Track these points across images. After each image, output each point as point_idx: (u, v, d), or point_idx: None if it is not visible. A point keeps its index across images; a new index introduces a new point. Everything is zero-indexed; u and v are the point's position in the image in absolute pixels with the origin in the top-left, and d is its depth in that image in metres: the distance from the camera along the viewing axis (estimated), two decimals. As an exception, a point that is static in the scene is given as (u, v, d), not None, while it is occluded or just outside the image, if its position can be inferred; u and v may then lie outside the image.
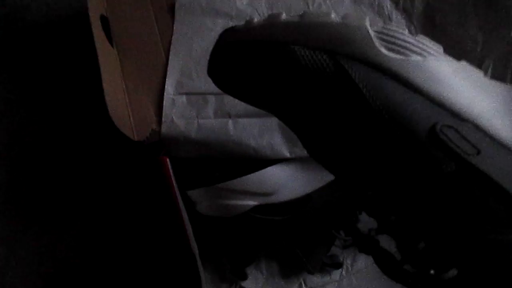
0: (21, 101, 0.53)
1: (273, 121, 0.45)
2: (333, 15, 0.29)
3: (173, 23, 0.47)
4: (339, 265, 0.51)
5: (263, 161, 0.45)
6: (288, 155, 0.45)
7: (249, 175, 0.45)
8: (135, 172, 0.53)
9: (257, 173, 0.45)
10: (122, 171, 0.53)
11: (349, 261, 0.52)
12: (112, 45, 0.46)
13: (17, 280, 0.51)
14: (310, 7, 0.47)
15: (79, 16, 0.54)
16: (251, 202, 0.46)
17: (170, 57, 0.46)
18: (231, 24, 0.47)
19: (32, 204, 0.52)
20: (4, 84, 0.54)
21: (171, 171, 0.44)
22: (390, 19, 0.47)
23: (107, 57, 0.43)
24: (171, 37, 0.46)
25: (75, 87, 0.54)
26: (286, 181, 0.46)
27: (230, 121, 0.44)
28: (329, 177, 0.47)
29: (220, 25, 0.47)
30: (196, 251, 0.45)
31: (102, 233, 0.52)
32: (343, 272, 0.51)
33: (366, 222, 0.53)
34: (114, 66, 0.45)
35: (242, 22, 0.46)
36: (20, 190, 0.52)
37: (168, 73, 0.45)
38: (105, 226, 0.53)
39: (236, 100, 0.45)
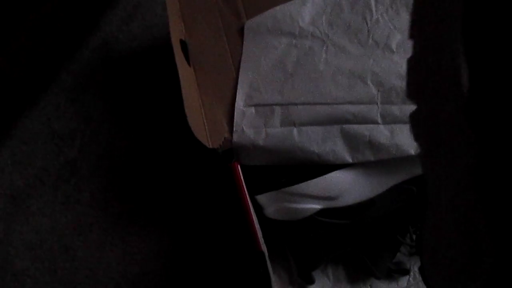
0: (117, 116, 0.62)
1: (335, 129, 0.48)
2: None
3: (242, 43, 0.52)
4: (406, 272, 0.51)
5: (326, 167, 0.48)
6: (350, 160, 0.47)
7: (313, 180, 0.48)
8: (209, 177, 0.58)
9: (321, 177, 0.48)
10: (198, 176, 0.59)
11: (416, 268, 0.52)
12: (189, 65, 0.52)
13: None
14: (369, 23, 0.50)
15: (161, 43, 0.63)
16: (316, 206, 0.49)
17: (240, 73, 0.51)
18: (294, 42, 0.52)
19: (122, 208, 0.59)
20: (102, 102, 0.63)
21: (241, 176, 0.48)
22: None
23: (186, 75, 0.49)
24: (241, 56, 0.52)
25: (160, 104, 0.62)
26: (349, 185, 0.48)
27: (295, 129, 0.48)
28: (391, 182, 0.48)
29: (284, 43, 0.51)
30: (266, 252, 0.48)
31: (178, 233, 0.58)
32: (411, 279, 0.52)
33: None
34: (192, 83, 0.51)
35: (304, 40, 0.50)
36: (112, 193, 0.60)
37: (238, 87, 0.51)
38: (181, 226, 0.58)
39: (300, 110, 0.49)
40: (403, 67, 0.48)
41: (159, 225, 0.58)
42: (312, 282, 0.52)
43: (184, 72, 0.48)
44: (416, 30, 0.28)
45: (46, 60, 0.63)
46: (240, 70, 0.51)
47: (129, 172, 0.59)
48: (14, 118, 0.61)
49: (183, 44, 0.52)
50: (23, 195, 0.59)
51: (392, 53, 0.49)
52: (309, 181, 0.48)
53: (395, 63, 0.49)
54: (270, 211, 0.49)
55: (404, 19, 0.49)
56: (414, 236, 0.51)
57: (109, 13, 0.64)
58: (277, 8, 0.52)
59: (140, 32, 0.63)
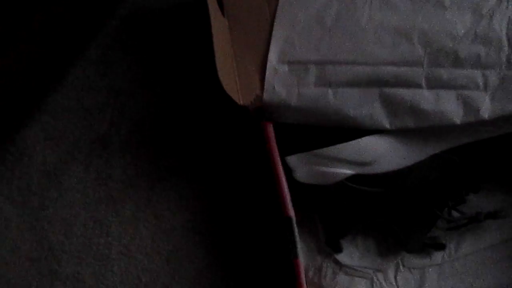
0: (147, 88, 0.61)
1: (374, 92, 0.45)
2: None
3: (280, -6, 0.49)
4: (442, 246, 0.48)
5: (362, 131, 0.45)
6: (388, 126, 0.44)
7: (347, 143, 0.45)
8: (241, 136, 0.57)
9: (355, 141, 0.45)
10: (230, 137, 0.58)
11: (452, 245, 0.49)
12: (223, 15, 0.50)
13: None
14: None
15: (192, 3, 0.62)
16: (348, 171, 0.46)
17: (274, 27, 0.48)
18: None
19: (154, 183, 0.59)
20: (131, 75, 0.62)
21: (273, 136, 0.46)
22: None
23: (219, 26, 0.47)
24: (277, 7, 0.49)
25: (190, 72, 0.60)
26: (385, 151, 0.45)
27: (330, 90, 0.45)
28: (431, 151, 0.45)
29: (325, -4, 0.48)
30: (294, 217, 0.46)
31: (211, 206, 0.57)
32: (445, 256, 0.48)
33: (474, 205, 0.50)
34: (225, 35, 0.49)
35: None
36: (145, 147, 0.60)
37: (272, 42, 0.48)
38: (213, 197, 0.57)
39: (337, 70, 0.46)
40: (455, 26, 0.44)
41: (192, 200, 0.57)
42: (340, 250, 0.50)
43: (217, 23, 0.46)
44: None
45: (74, 34, 0.63)
46: (275, 23, 0.48)
47: (160, 146, 0.59)
48: (43, 93, 0.62)
49: (218, -6, 0.49)
50: (55, 171, 0.60)
51: (445, 10, 0.44)
52: (342, 144, 0.45)
53: (447, 21, 0.44)
54: (300, 174, 0.47)
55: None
56: (452, 211, 0.47)
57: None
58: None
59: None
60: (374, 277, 0.50)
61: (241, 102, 0.46)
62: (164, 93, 0.61)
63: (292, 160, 0.47)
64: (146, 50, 0.62)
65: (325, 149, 0.45)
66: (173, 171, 0.58)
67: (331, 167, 0.46)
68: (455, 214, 0.48)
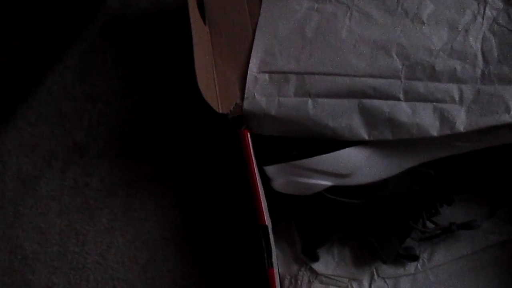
0: (125, 96, 0.61)
1: (353, 103, 0.45)
2: None
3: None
4: (415, 258, 0.49)
5: (340, 142, 0.46)
6: (366, 137, 0.44)
7: (325, 155, 0.46)
8: (219, 143, 0.57)
9: (334, 153, 0.46)
10: (207, 141, 0.57)
11: (425, 255, 0.50)
12: (205, 23, 0.49)
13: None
14: None
15: (172, 12, 0.61)
16: (326, 182, 0.46)
17: (256, 36, 0.48)
18: (316, 6, 0.49)
19: (131, 192, 0.58)
20: (109, 82, 0.61)
21: (250, 144, 0.46)
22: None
23: (200, 33, 0.46)
24: (258, 17, 0.49)
25: (168, 82, 0.60)
26: (362, 163, 0.45)
27: (309, 101, 0.45)
28: (407, 164, 0.45)
29: (305, 7, 0.48)
30: (270, 226, 0.46)
31: (188, 216, 0.57)
32: (419, 266, 0.49)
33: (447, 216, 0.51)
34: (205, 42, 0.48)
35: (327, 5, 0.47)
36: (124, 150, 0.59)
37: (253, 51, 0.48)
38: (191, 207, 0.57)
39: (317, 80, 0.47)
40: (432, 41, 0.45)
41: (169, 209, 0.57)
42: (316, 259, 0.50)
43: (198, 30, 0.46)
44: None
45: (52, 39, 0.62)
46: (257, 32, 0.48)
47: (138, 154, 0.58)
48: (20, 99, 0.61)
49: (200, 1, 0.49)
50: (31, 178, 0.59)
51: (422, 25, 0.45)
52: (321, 156, 0.45)
53: (425, 35, 0.45)
54: (278, 183, 0.47)
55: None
56: (427, 222, 0.48)
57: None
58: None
59: (148, 5, 0.62)
60: (349, 286, 0.50)
61: (220, 111, 0.46)
62: (143, 100, 0.60)
63: (270, 170, 0.47)
64: (125, 57, 0.62)
65: (304, 160, 0.46)
66: (150, 180, 0.58)
67: (309, 178, 0.46)
68: (429, 225, 0.49)
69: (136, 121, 0.60)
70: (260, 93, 0.47)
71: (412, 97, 0.44)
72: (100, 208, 0.57)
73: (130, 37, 0.62)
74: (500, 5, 0.45)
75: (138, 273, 0.55)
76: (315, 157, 0.46)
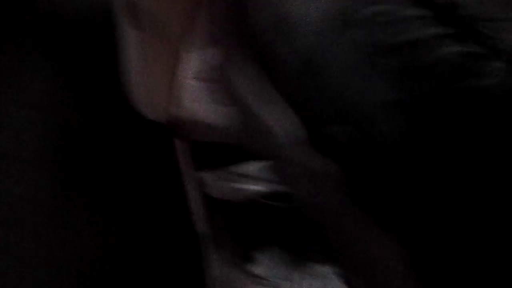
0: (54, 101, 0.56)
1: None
2: None
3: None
4: (343, 257, 0.51)
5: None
6: (299, 144, 0.46)
7: (257, 160, 0.46)
8: (149, 150, 0.54)
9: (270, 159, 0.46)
10: (137, 149, 0.55)
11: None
12: (138, 26, 0.48)
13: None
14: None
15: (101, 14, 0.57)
16: (259, 188, 0.47)
17: (189, 42, 0.47)
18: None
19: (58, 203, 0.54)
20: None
21: (182, 151, 0.46)
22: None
23: (131, 37, 0.45)
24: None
25: (100, 85, 0.56)
26: (294, 169, 0.47)
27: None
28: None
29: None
30: (205, 232, 0.46)
31: (116, 210, 0.55)
32: (348, 263, 0.52)
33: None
34: (139, 47, 0.47)
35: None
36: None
37: (186, 57, 0.47)
38: (117, 200, 0.55)
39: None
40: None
41: (101, 221, 0.54)
42: (250, 261, 0.51)
43: (130, 34, 0.45)
44: None
45: None
46: (189, 38, 0.47)
47: (68, 163, 0.55)
48: None
49: (132, 5, 0.48)
50: None
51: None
52: (255, 162, 0.46)
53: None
54: (213, 189, 0.48)
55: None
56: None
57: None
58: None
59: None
60: (281, 286, 0.52)
61: (151, 117, 0.46)
62: (75, 106, 0.56)
63: (206, 176, 0.47)
64: (55, 58, 0.57)
65: (238, 166, 0.46)
66: (80, 191, 0.54)
67: (244, 184, 0.47)
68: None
69: (66, 129, 0.55)
70: (192, 100, 0.46)
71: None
72: (27, 220, 0.53)
73: (60, 38, 0.58)
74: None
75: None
76: (250, 163, 0.46)
